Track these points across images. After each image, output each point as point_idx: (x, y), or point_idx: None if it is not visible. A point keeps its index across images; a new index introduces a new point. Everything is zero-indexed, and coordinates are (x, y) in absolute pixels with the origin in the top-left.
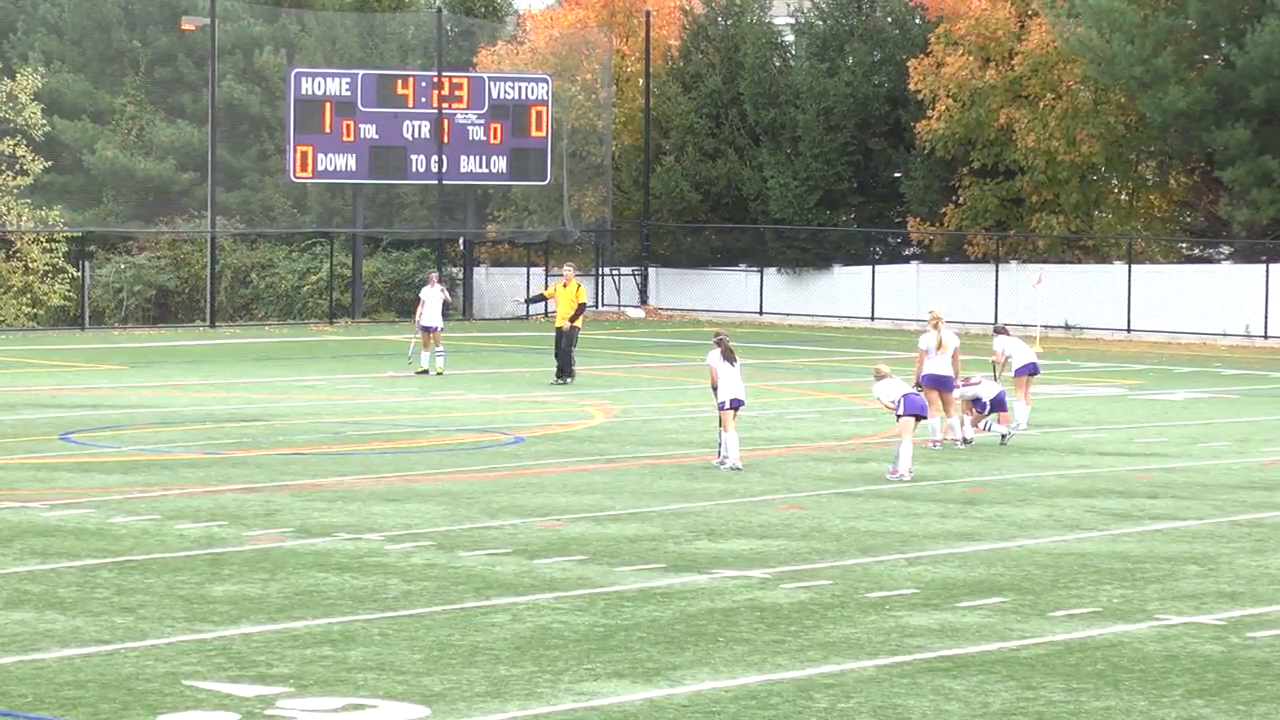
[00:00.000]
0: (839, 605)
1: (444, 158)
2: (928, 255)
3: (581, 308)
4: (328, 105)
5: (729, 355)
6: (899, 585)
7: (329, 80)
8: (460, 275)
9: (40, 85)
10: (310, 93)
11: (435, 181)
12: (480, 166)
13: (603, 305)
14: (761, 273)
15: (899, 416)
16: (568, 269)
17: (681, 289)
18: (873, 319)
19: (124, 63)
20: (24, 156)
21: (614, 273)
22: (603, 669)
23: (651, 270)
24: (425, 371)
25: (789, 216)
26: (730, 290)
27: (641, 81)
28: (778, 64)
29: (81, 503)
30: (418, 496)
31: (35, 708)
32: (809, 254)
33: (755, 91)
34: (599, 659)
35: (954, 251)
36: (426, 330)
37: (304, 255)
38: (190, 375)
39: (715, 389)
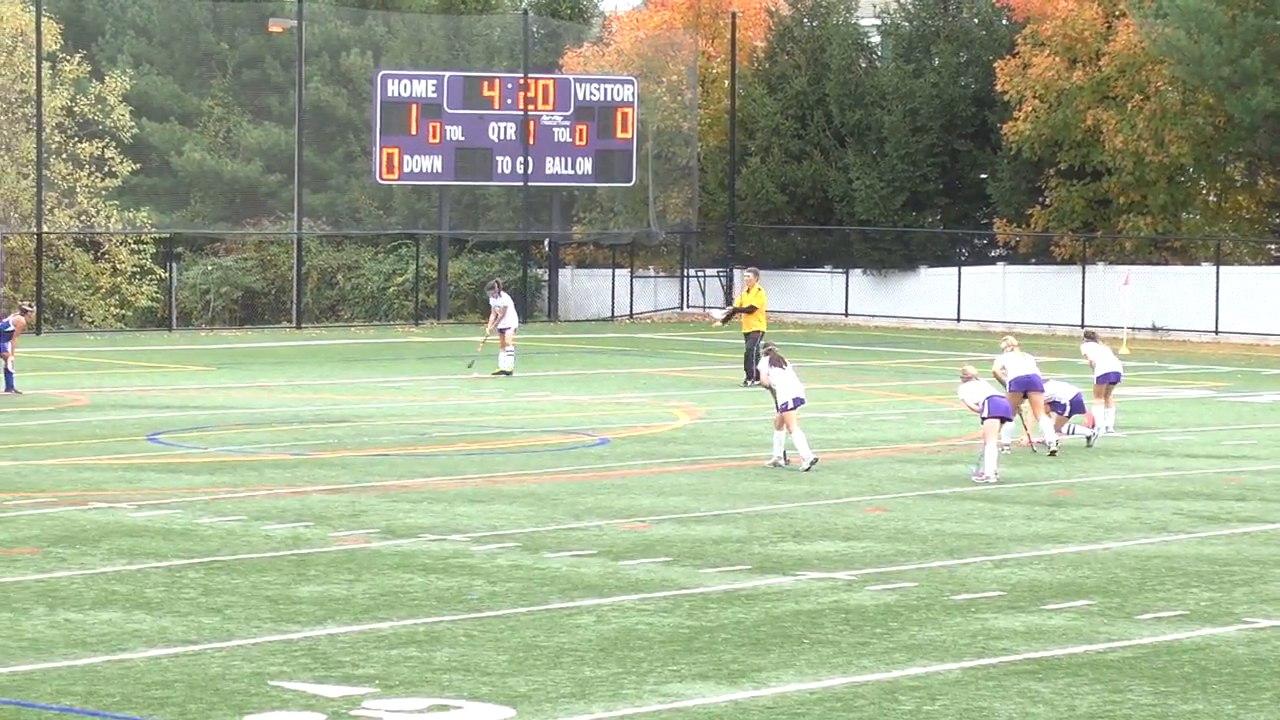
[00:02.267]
0: (924, 608)
1: (529, 159)
2: (1014, 257)
3: (751, 309)
4: (414, 107)
5: (778, 361)
6: (984, 588)
7: (415, 82)
8: (545, 277)
9: (129, 87)
10: (396, 94)
11: (520, 183)
12: (565, 168)
13: (688, 307)
14: (847, 274)
15: (984, 419)
16: (748, 274)
17: (768, 290)
18: (958, 320)
19: (211, 65)
20: (113, 158)
21: (699, 274)
22: (687, 670)
23: (737, 272)
24: (505, 372)
25: (874, 218)
26: (815, 291)
27: (727, 83)
28: (863, 65)
29: (168, 503)
30: (503, 498)
31: (123, 707)
32: (894, 255)
33: (841, 93)
34: (684, 660)
35: (1040, 253)
36: (502, 332)
37: (389, 257)
38: (276, 376)
39: (774, 394)
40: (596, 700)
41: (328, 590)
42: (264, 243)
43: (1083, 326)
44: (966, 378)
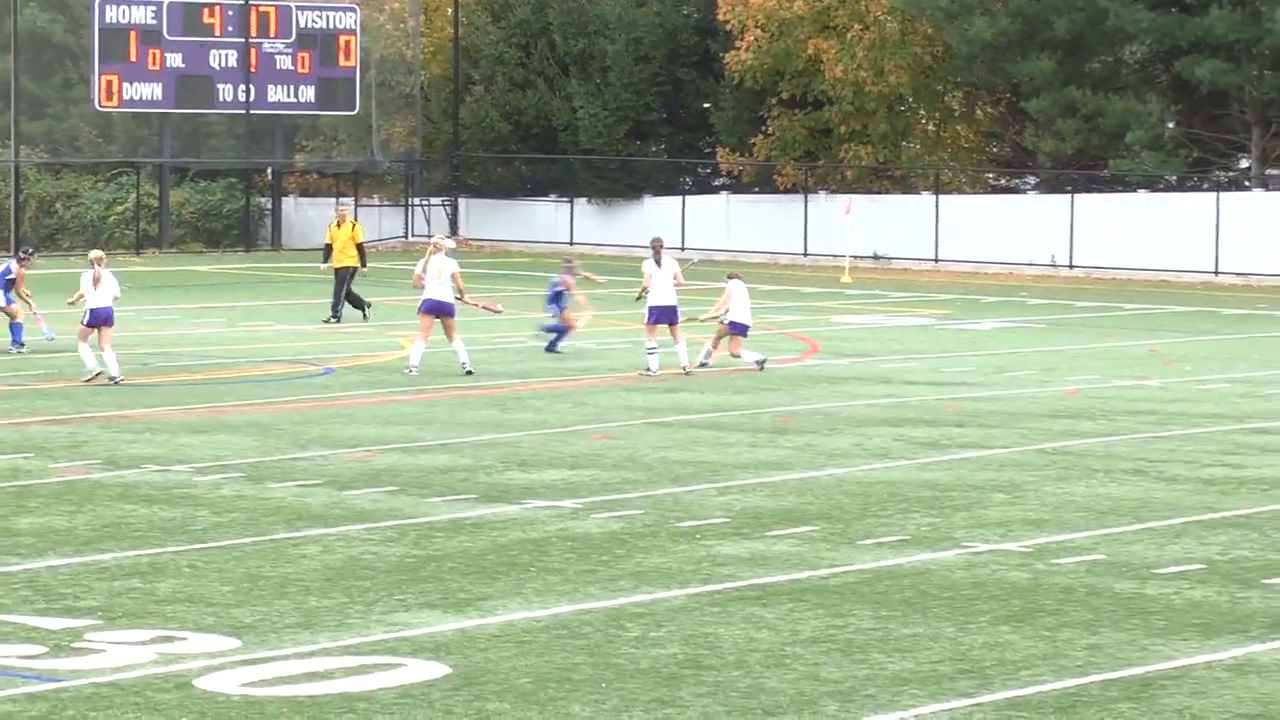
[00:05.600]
0: (650, 535)
1: (251, 87)
2: (738, 186)
3: (359, 248)
4: (133, 34)
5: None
6: (709, 514)
7: (134, 8)
8: (269, 206)
9: None
10: (115, 21)
11: (243, 111)
12: (288, 96)
13: (413, 236)
14: (572, 203)
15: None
16: (341, 207)
17: (492, 220)
18: (683, 249)
19: None
20: None
21: (424, 203)
22: (414, 599)
23: (462, 201)
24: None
25: (599, 147)
26: (541, 221)
27: (450, 11)
28: None
29: None
30: (226, 428)
31: None
32: (619, 185)
33: (564, 21)
34: (410, 589)
35: (764, 182)
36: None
37: (110, 185)
38: None
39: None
40: (322, 630)
41: (48, 522)
42: None
43: (805, 256)
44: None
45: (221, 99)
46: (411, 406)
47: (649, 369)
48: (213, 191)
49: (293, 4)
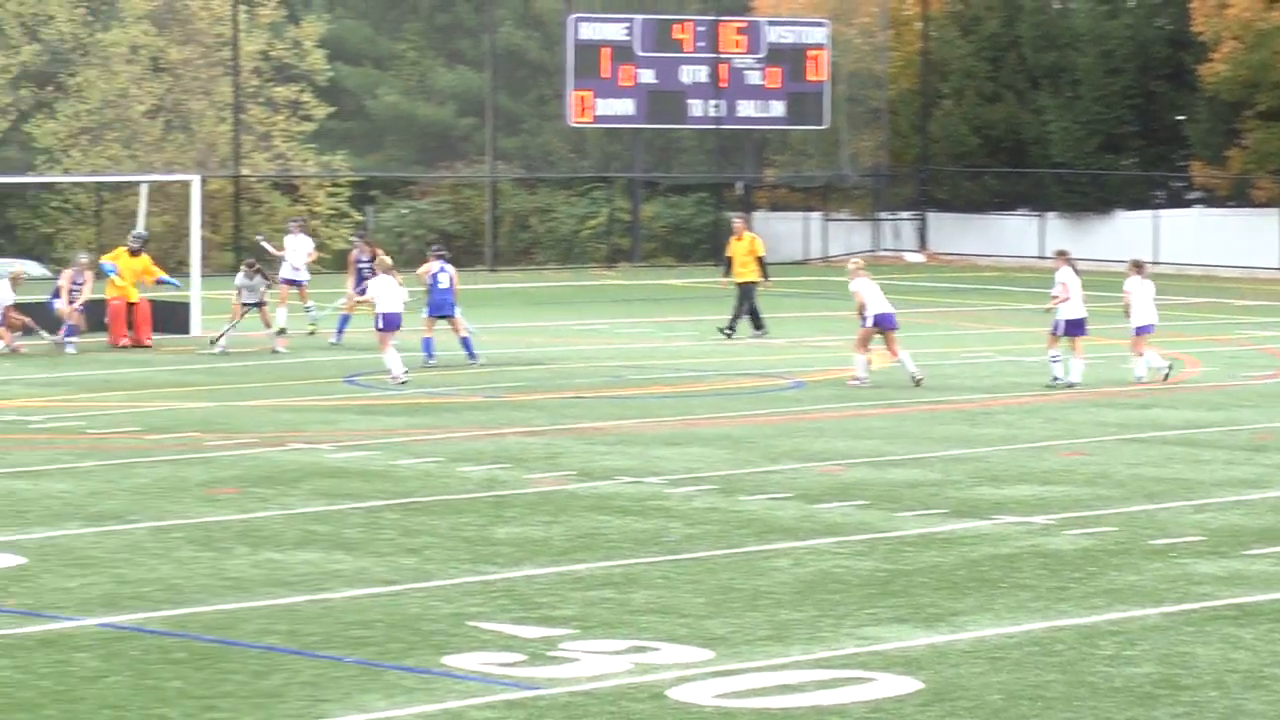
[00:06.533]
0: (1123, 552)
1: (722, 102)
2: (1212, 199)
3: (759, 261)
4: (606, 50)
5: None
6: (1184, 532)
7: (607, 25)
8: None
9: (324, 32)
10: (589, 38)
11: (713, 126)
12: (758, 111)
13: (881, 250)
14: (1042, 217)
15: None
16: (738, 221)
17: (960, 234)
18: (1156, 263)
19: (405, 8)
20: (308, 102)
21: (892, 218)
22: (885, 614)
23: (930, 215)
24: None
25: (1069, 160)
26: (1010, 235)
27: (920, 25)
28: (1057, 6)
29: (367, 445)
30: (699, 440)
31: (324, 646)
32: (1090, 198)
33: (1035, 34)
34: (881, 604)
35: (1239, 196)
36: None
37: (583, 200)
38: (471, 319)
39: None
40: (794, 643)
41: (525, 532)
42: (458, 186)
43: None
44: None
45: (692, 114)
46: (880, 421)
47: (1056, 378)
48: (683, 206)
49: (763, 19)
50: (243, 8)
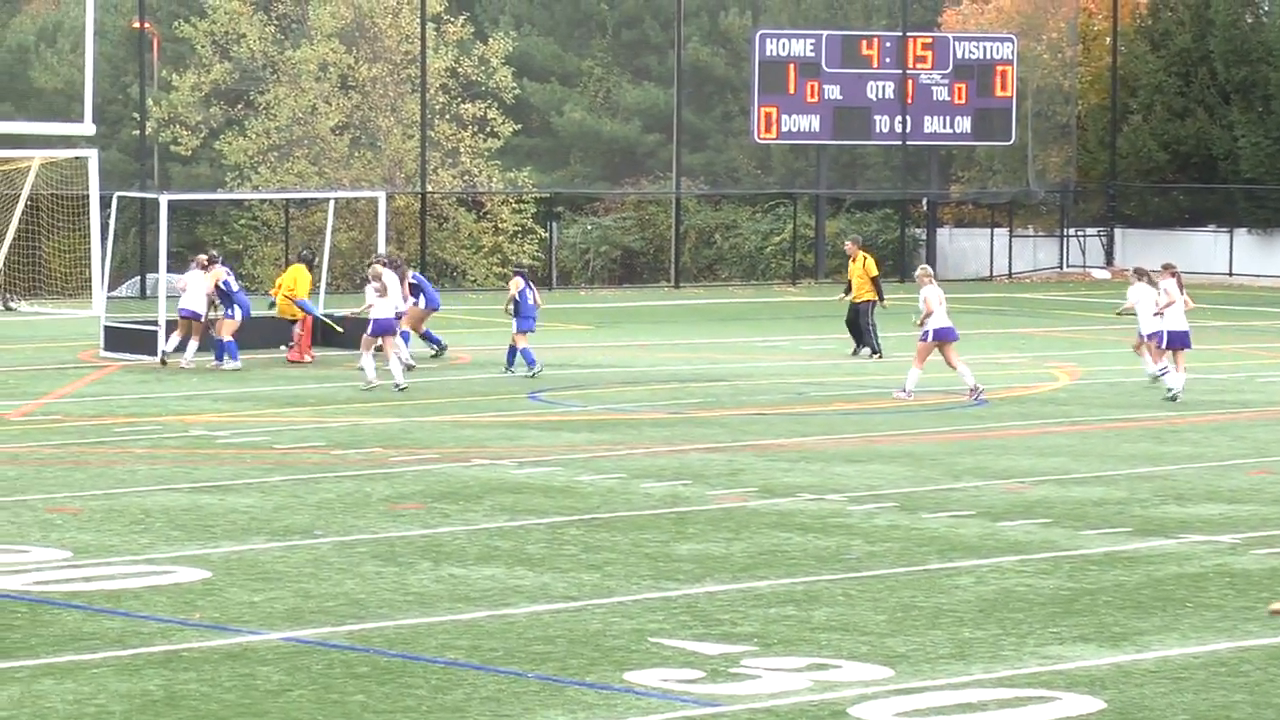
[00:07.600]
0: None
1: (908, 118)
2: None
3: (874, 281)
4: (792, 66)
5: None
6: None
7: (793, 41)
8: (923, 236)
9: (510, 49)
10: (775, 54)
11: (898, 142)
12: (944, 127)
13: (1067, 266)
14: (1231, 233)
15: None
16: (849, 242)
17: (1148, 249)
18: None
19: (591, 26)
20: (494, 119)
21: (1079, 234)
22: (1068, 633)
23: (1117, 231)
24: None
25: (1260, 176)
26: (1198, 251)
27: (1108, 40)
28: (1249, 20)
29: (549, 460)
30: (880, 457)
31: (506, 661)
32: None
33: (1226, 49)
34: (1064, 622)
35: None
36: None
37: (767, 216)
38: (655, 335)
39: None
40: (976, 661)
41: (706, 548)
42: (643, 202)
43: None
44: None
45: (878, 130)
46: (1065, 438)
47: (1170, 388)
48: (868, 222)
49: (950, 35)
50: (431, 26)
